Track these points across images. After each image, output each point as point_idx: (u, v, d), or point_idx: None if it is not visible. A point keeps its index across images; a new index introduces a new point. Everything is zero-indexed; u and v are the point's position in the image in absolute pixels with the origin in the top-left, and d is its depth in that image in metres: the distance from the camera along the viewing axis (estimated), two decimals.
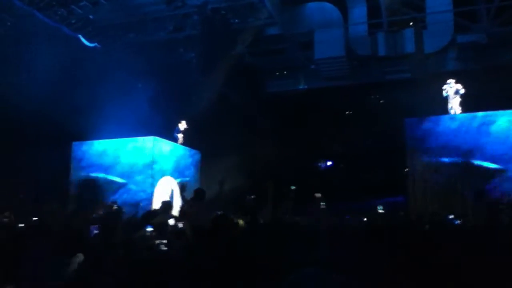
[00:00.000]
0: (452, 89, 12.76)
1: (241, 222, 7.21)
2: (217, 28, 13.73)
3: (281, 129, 17.07)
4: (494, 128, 12.21)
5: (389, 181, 15.26)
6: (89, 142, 14.02)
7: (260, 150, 16.67)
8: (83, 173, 13.79)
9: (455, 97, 12.65)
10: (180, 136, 14.82)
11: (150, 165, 13.30)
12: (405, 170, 13.14)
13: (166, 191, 13.35)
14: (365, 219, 9.81)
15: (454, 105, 12.70)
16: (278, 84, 18.17)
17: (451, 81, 12.78)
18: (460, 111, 12.72)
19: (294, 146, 17.74)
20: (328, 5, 15.19)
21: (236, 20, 14.23)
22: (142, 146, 13.54)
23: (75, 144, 14.11)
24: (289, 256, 3.29)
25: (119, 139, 13.70)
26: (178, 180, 14.12)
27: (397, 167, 13.91)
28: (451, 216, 9.43)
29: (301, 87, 17.93)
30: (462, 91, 12.64)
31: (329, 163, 21.27)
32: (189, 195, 8.48)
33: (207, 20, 13.76)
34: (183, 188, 11.34)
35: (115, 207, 9.94)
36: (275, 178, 15.62)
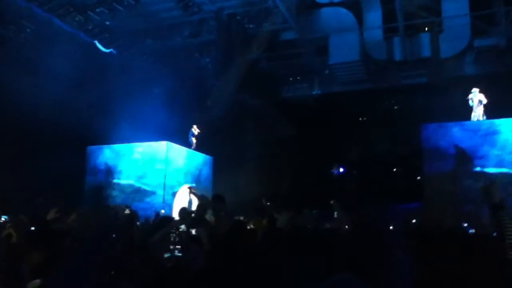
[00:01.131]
0: (476, 98, 12.56)
1: (252, 225, 7.17)
2: (233, 33, 13.76)
3: (296, 133, 17.02)
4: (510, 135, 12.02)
5: (405, 187, 15.09)
6: (103, 146, 14.14)
7: (275, 155, 16.64)
8: (97, 177, 13.91)
9: (479, 106, 12.46)
10: (194, 140, 14.86)
11: (163, 170, 13.35)
12: (418, 178, 12.98)
13: (186, 199, 13.40)
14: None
15: (478, 114, 12.52)
16: (293, 89, 18.12)
17: (475, 90, 12.58)
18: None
19: (309, 150, 17.66)
20: (343, 10, 15.09)
21: (252, 25, 14.25)
22: (156, 151, 13.60)
23: (89, 148, 14.25)
24: (307, 263, 3.23)
25: (132, 144, 13.79)
26: (193, 185, 14.15)
27: (414, 173, 13.75)
28: (465, 224, 9.26)
29: (315, 92, 17.86)
30: (485, 101, 12.44)
31: (341, 169, 21.12)
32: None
33: (223, 26, 13.81)
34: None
35: (127, 211, 9.94)
36: (290, 182, 15.67)
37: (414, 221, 10.30)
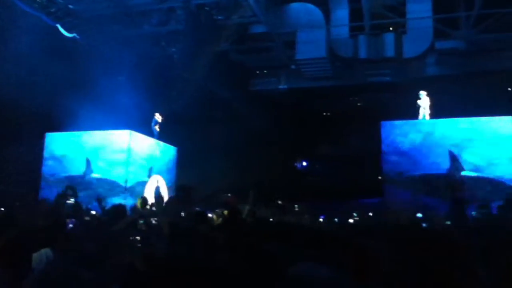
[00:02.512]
0: (423, 100, 13.20)
1: (215, 218, 7.18)
2: (201, 23, 13.64)
3: (262, 127, 17.10)
4: (468, 133, 12.55)
5: (366, 182, 15.46)
6: (62, 133, 13.76)
7: (240, 148, 16.67)
8: (56, 165, 13.54)
9: (425, 108, 13.13)
10: (157, 129, 14.68)
11: (125, 158, 13.13)
12: (379, 177, 13.36)
13: (153, 189, 13.29)
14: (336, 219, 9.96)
15: (424, 116, 13.18)
16: (260, 82, 18.17)
17: (423, 92, 13.22)
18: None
19: (274, 144, 17.80)
20: (311, 6, 15.23)
21: (220, 17, 14.16)
22: (118, 139, 13.35)
23: (48, 135, 13.83)
24: (270, 253, 3.28)
25: (94, 131, 13.50)
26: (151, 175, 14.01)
27: (375, 169, 14.09)
28: (419, 215, 9.65)
29: (282, 86, 17.98)
30: (428, 103, 13.07)
31: (304, 163, 21.41)
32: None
33: (191, 15, 13.66)
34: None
35: (71, 200, 9.69)
36: (254, 175, 15.75)
37: (370, 214, 10.63)
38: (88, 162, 13.30)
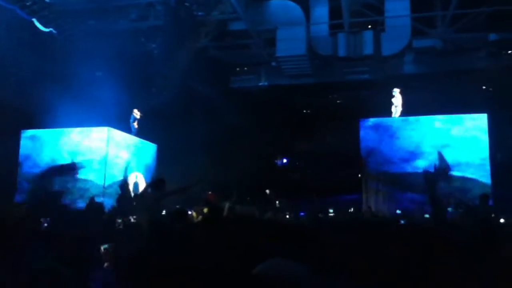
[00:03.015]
0: (396, 98, 13.44)
1: (195, 215, 7.16)
2: (181, 19, 13.53)
3: (242, 124, 17.09)
4: (444, 130, 12.81)
5: (346, 179, 15.60)
6: (39, 130, 13.50)
7: (220, 145, 16.63)
8: (32, 162, 13.27)
9: (397, 106, 13.39)
10: (136, 126, 14.50)
11: (104, 156, 12.94)
12: (359, 175, 13.54)
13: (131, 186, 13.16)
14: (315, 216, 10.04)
15: (396, 112, 13.42)
16: (240, 79, 18.14)
17: (396, 90, 13.45)
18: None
19: (254, 141, 17.82)
20: (292, 4, 15.26)
21: (200, 13, 14.07)
22: (96, 136, 13.16)
23: (24, 132, 13.55)
24: (250, 250, 3.28)
25: (71, 128, 13.27)
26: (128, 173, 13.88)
27: (354, 165, 14.24)
28: (399, 211, 9.81)
29: (262, 83, 17.99)
30: (401, 101, 13.21)
31: (285, 160, 21.52)
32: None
33: (171, 11, 13.54)
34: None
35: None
36: (234, 172, 15.75)
37: (351, 210, 10.76)
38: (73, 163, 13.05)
